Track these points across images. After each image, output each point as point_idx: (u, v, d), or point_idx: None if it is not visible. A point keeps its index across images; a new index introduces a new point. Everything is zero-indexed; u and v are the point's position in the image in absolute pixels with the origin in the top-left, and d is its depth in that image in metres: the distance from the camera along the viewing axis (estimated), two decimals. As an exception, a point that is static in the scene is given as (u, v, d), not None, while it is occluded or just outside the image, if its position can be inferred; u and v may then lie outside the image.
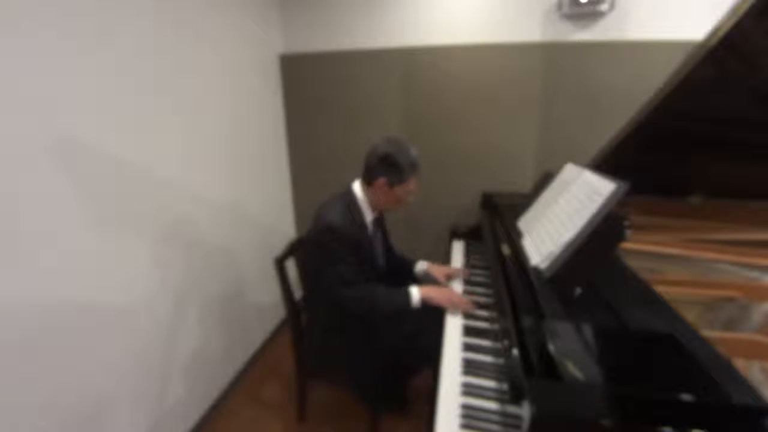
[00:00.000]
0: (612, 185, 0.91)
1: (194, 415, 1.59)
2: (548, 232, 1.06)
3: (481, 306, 1.20)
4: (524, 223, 1.28)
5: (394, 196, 1.27)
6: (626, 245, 1.07)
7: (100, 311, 1.14)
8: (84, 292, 1.09)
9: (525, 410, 0.59)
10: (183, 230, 1.47)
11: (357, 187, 1.32)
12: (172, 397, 1.46)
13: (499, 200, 1.72)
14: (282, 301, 1.44)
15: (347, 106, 2.13)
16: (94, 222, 1.11)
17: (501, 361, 0.90)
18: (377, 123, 2.12)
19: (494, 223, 1.48)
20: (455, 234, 1.82)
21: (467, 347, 1.04)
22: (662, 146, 1.12)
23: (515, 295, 0.93)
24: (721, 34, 0.76)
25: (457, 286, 1.37)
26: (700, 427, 0.52)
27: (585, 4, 1.66)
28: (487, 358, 0.99)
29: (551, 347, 0.67)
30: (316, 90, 2.14)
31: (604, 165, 1.17)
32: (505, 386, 0.82)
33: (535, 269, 0.96)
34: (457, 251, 1.69)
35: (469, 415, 0.82)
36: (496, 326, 1.03)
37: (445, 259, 1.68)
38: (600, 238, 0.87)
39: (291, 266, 1.45)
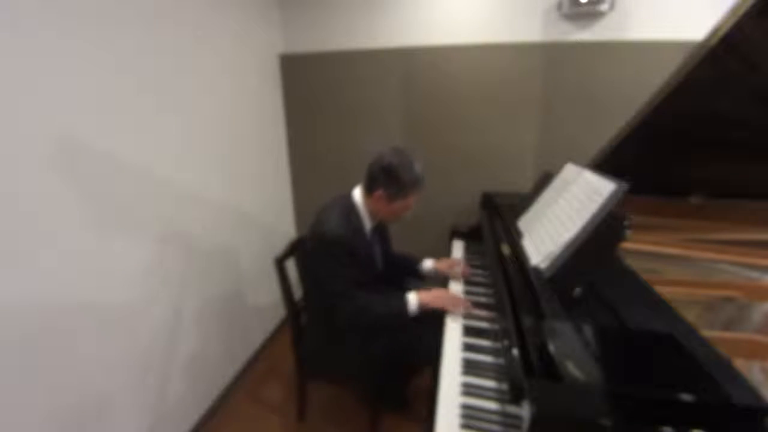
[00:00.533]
0: (612, 185, 0.90)
1: (194, 415, 1.59)
2: (548, 232, 1.06)
3: (481, 306, 1.20)
4: (524, 223, 1.28)
5: (391, 210, 1.25)
6: (626, 245, 1.06)
7: (100, 311, 1.14)
8: (84, 292, 1.09)
9: (525, 410, 0.58)
10: (183, 230, 1.47)
11: (357, 193, 1.31)
12: (172, 397, 1.46)
13: (499, 200, 1.72)
14: (282, 300, 1.43)
15: (347, 106, 2.13)
16: (94, 222, 1.11)
17: (501, 360, 0.90)
18: (377, 123, 2.12)
19: (494, 223, 1.48)
20: (455, 234, 1.82)
21: (467, 347, 1.04)
22: (662, 146, 1.12)
23: (515, 295, 0.93)
24: (721, 34, 0.76)
25: (457, 287, 1.37)
26: (700, 427, 0.52)
27: (585, 4, 1.66)
28: (487, 358, 0.99)
29: (551, 347, 0.67)
30: (316, 90, 2.14)
31: (604, 165, 1.17)
32: (505, 386, 0.82)
33: (535, 269, 0.96)
34: (457, 251, 1.69)
35: (469, 415, 0.82)
36: (496, 326, 1.03)
37: (445, 259, 1.68)
38: (600, 238, 0.87)
39: (291, 266, 1.45)
